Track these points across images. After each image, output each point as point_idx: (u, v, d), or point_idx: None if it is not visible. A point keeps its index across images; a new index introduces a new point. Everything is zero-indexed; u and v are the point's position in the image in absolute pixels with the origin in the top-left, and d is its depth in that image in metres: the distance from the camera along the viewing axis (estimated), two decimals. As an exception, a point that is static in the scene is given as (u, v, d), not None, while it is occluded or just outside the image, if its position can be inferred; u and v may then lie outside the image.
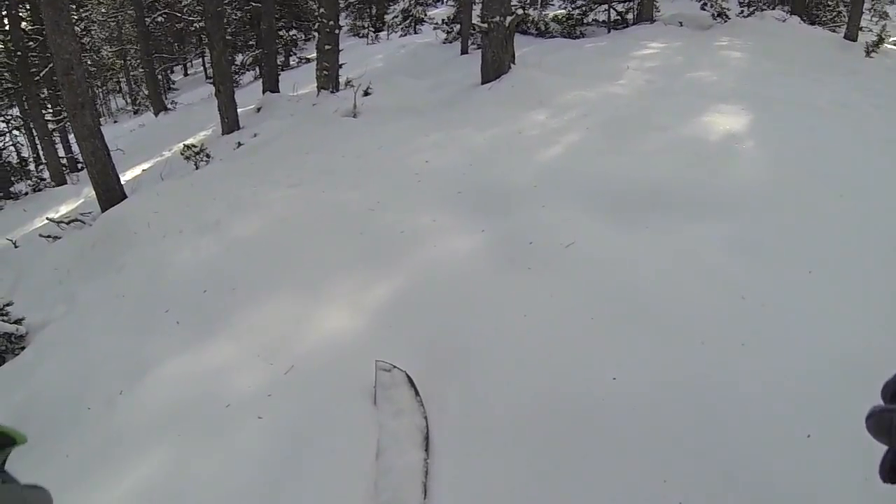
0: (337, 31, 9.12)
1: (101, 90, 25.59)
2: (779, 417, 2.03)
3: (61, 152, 13.37)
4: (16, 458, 0.65)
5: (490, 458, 2.15)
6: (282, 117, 8.17)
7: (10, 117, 13.21)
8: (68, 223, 6.06)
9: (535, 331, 2.62)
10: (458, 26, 12.72)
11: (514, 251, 3.23)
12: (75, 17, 14.85)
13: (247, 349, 2.94)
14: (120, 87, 28.07)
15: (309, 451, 2.24)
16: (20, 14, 11.88)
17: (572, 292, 2.81)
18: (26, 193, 11.16)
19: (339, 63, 9.41)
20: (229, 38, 12.42)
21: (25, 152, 14.98)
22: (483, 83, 7.05)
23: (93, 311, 3.75)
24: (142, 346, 3.18)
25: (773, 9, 12.06)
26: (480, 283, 3.03)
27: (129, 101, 25.45)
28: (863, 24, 10.32)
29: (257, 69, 15.74)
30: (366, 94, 7.88)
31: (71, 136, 10.92)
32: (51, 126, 12.32)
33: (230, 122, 9.04)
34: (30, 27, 12.08)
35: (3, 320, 3.78)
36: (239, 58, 15.82)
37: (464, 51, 11.49)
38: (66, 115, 7.48)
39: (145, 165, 9.54)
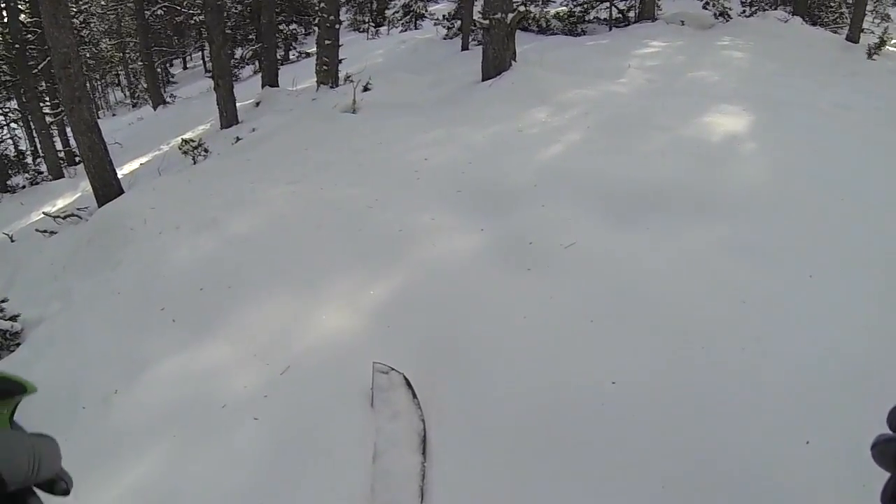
0: (337, 26, 9.08)
1: (99, 83, 25.45)
2: (779, 422, 2.03)
3: (59, 145, 13.32)
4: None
5: (487, 461, 2.14)
6: (281, 112, 8.14)
7: (7, 110, 13.14)
8: (65, 218, 6.03)
9: (534, 332, 2.60)
10: (459, 22, 12.66)
11: (514, 251, 3.21)
12: (74, 10, 14.78)
13: (243, 348, 2.92)
14: (119, 80, 27.92)
15: (305, 454, 2.23)
16: (19, 6, 11.80)
17: (572, 294, 2.79)
18: (24, 187, 11.12)
19: (339, 58, 9.38)
20: (229, 31, 12.38)
21: (23, 145, 14.91)
22: (484, 80, 7.01)
23: (88, 309, 3.72)
24: (138, 345, 3.16)
25: (776, 9, 12.03)
26: (479, 284, 3.01)
27: (127, 94, 25.33)
28: (865, 25, 10.30)
29: (257, 63, 15.67)
30: (365, 89, 7.83)
31: (69, 130, 10.85)
32: (48, 119, 12.26)
33: (229, 117, 9.00)
34: (28, 19, 11.99)
35: (-2, 317, 3.76)
36: (238, 52, 15.79)
37: (464, 47, 11.44)
38: (63, 108, 7.42)
39: (143, 159, 9.50)
